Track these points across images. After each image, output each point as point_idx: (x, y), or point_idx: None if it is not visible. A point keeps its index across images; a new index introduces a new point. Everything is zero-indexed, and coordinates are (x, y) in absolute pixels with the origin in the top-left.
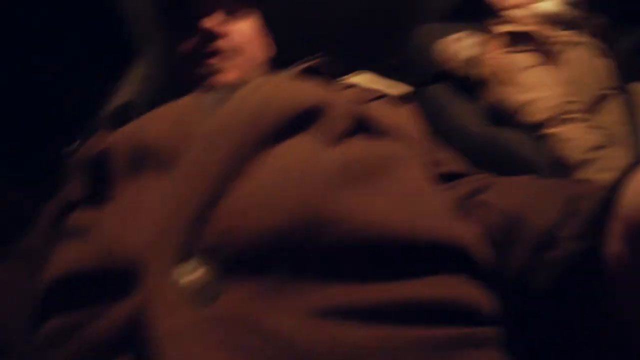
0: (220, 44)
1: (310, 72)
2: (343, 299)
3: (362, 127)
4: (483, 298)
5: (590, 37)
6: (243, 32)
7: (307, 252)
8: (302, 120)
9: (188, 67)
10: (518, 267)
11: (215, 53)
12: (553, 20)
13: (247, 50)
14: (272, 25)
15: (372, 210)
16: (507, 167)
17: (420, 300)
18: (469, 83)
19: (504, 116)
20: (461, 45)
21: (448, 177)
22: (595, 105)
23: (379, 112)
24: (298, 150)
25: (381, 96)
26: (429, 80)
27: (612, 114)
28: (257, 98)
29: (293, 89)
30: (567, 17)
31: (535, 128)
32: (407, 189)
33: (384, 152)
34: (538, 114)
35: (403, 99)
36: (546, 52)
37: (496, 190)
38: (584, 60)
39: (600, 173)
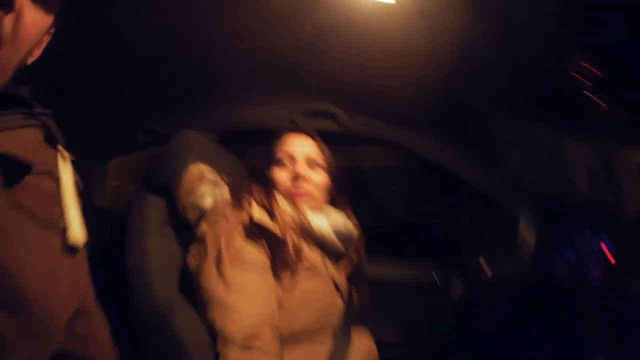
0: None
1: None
2: None
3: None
4: None
5: (345, 272)
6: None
7: None
8: None
9: None
10: None
11: None
12: (316, 239)
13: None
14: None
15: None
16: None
17: None
18: (188, 224)
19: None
20: (205, 188)
21: None
22: (299, 337)
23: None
24: None
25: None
26: (157, 188)
27: (314, 356)
28: None
29: None
30: (331, 246)
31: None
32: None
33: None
34: (230, 325)
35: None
36: (284, 261)
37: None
38: (318, 292)
39: None
